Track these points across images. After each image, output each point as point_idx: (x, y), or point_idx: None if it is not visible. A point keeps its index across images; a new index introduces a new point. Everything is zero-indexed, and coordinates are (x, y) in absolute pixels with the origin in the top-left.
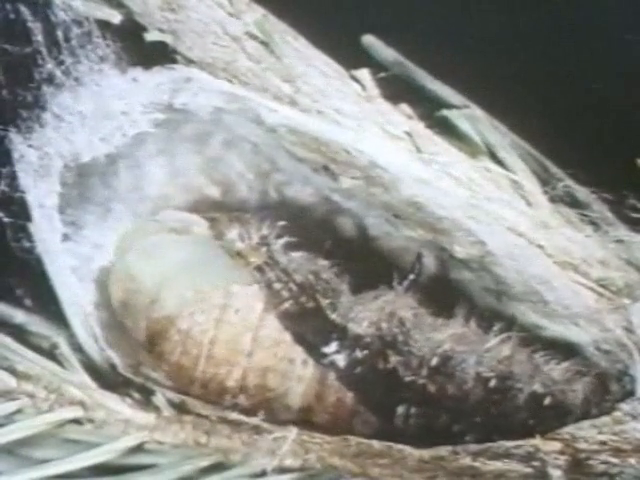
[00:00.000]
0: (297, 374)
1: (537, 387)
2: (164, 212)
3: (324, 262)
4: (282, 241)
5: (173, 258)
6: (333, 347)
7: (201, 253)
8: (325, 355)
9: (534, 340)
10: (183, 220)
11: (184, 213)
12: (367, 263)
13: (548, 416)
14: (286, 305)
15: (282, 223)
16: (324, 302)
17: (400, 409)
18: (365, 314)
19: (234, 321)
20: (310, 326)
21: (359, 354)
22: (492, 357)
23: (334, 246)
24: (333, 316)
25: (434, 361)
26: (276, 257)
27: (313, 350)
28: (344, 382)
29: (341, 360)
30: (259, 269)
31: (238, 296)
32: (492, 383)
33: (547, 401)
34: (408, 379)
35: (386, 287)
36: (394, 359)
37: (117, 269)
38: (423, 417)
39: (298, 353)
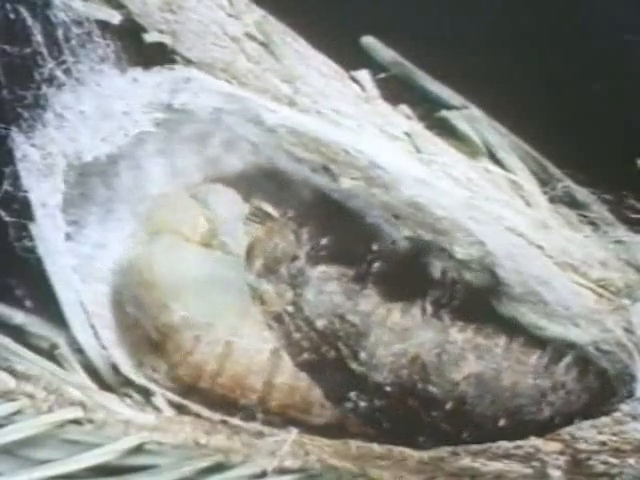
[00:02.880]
0: (317, 412)
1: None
2: (216, 185)
3: (356, 287)
4: (319, 271)
5: (194, 272)
6: (352, 396)
7: (223, 281)
8: (344, 403)
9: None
10: (230, 202)
11: (236, 196)
12: (401, 278)
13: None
14: (305, 355)
15: (324, 241)
16: (345, 351)
17: (421, 438)
18: (387, 360)
19: (241, 361)
20: (329, 376)
21: (378, 402)
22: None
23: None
24: (353, 365)
25: (449, 405)
26: (301, 303)
27: (332, 398)
28: (363, 422)
29: (360, 407)
30: (278, 319)
31: (244, 335)
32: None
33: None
34: (427, 420)
35: (418, 307)
36: (413, 403)
37: (144, 250)
38: (444, 442)
39: (316, 397)
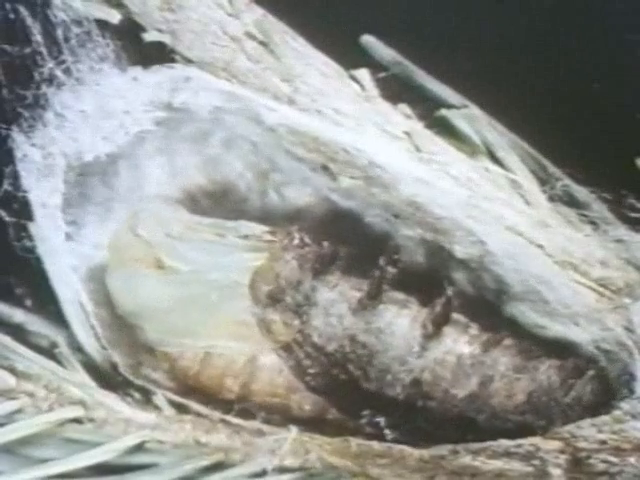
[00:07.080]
0: (297, 410)
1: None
2: (150, 207)
3: (366, 306)
4: (325, 296)
5: (158, 297)
6: (366, 413)
7: (188, 299)
8: (359, 420)
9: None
10: (162, 223)
11: (170, 213)
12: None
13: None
14: (317, 380)
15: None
16: (356, 373)
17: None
18: (401, 375)
19: (218, 364)
20: (342, 397)
21: (395, 416)
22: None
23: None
24: (366, 385)
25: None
26: (308, 330)
27: (347, 415)
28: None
29: (377, 422)
30: (287, 348)
31: (219, 347)
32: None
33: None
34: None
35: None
36: (427, 417)
37: (110, 278)
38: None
39: (299, 399)
